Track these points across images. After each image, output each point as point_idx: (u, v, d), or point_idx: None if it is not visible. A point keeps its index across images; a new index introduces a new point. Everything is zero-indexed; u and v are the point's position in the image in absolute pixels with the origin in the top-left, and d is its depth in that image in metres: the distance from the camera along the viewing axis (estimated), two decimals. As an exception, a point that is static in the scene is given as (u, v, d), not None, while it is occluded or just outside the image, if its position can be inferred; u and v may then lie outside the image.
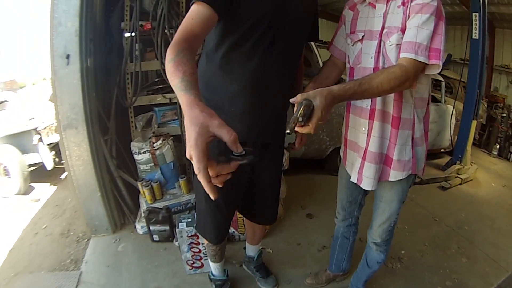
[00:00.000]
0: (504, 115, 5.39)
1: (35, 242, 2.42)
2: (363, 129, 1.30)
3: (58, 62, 2.02)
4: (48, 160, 3.37)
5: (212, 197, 0.67)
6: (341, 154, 1.53)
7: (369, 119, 1.27)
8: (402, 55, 1.08)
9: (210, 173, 0.66)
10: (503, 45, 6.06)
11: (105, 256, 2.20)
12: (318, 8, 1.37)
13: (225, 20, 1.07)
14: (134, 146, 2.35)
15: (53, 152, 3.43)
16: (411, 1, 1.09)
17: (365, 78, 1.02)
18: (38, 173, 3.48)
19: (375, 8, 1.21)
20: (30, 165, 3.36)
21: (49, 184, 3.48)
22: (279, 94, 1.28)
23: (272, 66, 1.20)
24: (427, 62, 1.07)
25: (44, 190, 3.35)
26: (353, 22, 1.30)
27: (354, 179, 1.38)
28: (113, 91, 2.40)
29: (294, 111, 0.87)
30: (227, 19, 1.08)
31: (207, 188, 0.66)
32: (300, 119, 0.86)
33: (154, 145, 2.33)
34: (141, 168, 2.40)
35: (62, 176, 3.59)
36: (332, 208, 1.74)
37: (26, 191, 3.30)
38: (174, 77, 0.78)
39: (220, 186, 0.70)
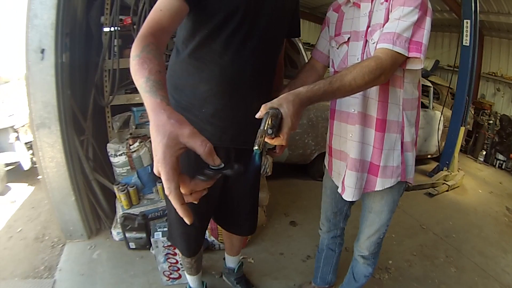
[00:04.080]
0: (491, 121, 5.50)
1: (9, 246, 2.29)
2: (351, 135, 1.22)
3: (32, 57, 1.89)
4: (25, 159, 3.21)
5: (187, 221, 0.58)
6: (326, 163, 1.44)
7: (356, 124, 1.19)
8: (379, 45, 1.00)
9: (183, 191, 0.57)
10: (491, 53, 6.17)
11: (80, 263, 2.09)
12: (299, 2, 1.28)
13: (195, 12, 0.97)
14: (110, 148, 2.23)
15: (31, 151, 3.27)
16: None
17: (336, 75, 0.92)
18: (15, 173, 3.32)
19: (359, 8, 1.14)
20: (6, 165, 3.20)
21: (26, 184, 3.33)
22: (254, 95, 1.16)
23: (245, 64, 1.10)
24: (406, 54, 0.98)
25: (21, 191, 3.20)
26: (338, 24, 1.23)
27: (339, 189, 1.30)
28: (91, 89, 2.28)
29: (261, 124, 0.74)
30: (198, 11, 0.98)
31: (180, 211, 0.56)
32: (270, 131, 0.74)
33: (131, 147, 2.22)
34: (117, 171, 2.28)
35: (40, 177, 3.43)
36: (317, 216, 1.66)
37: (3, 191, 3.14)
38: (139, 76, 0.68)
39: (195, 202, 0.61)
